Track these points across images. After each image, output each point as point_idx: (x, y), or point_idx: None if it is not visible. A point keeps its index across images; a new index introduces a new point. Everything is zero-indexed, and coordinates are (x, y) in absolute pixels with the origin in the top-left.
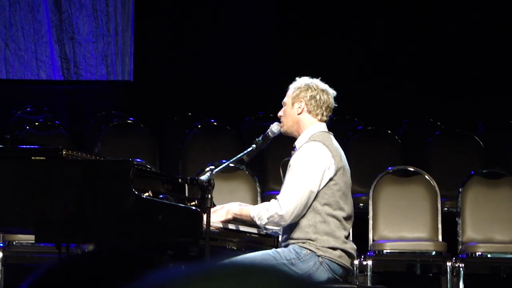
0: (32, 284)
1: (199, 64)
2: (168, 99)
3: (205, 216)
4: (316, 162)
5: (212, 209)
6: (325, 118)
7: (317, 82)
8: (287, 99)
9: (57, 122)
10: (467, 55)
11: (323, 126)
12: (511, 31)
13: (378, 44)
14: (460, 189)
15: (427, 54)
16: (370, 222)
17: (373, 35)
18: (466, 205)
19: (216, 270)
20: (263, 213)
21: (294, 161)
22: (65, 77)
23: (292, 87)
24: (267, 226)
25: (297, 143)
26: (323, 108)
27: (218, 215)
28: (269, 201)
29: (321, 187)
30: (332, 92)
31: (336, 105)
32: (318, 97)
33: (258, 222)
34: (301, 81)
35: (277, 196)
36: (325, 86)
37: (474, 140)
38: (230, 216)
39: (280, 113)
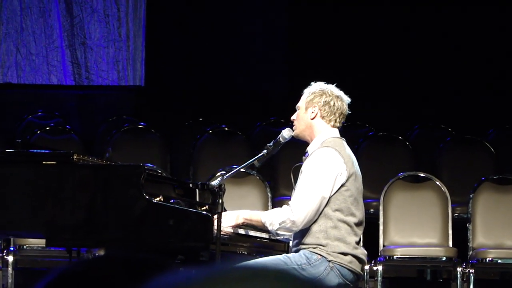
0: None
1: (210, 70)
2: (179, 104)
3: (215, 221)
4: (328, 168)
5: (222, 214)
6: (338, 125)
7: (332, 88)
8: (301, 103)
9: (68, 126)
10: (477, 61)
11: (336, 132)
12: None
13: (389, 50)
14: (470, 195)
15: (437, 60)
16: (381, 227)
17: (384, 41)
18: (476, 211)
19: (227, 273)
20: (275, 218)
21: (306, 166)
22: (76, 82)
23: (307, 91)
24: (279, 232)
25: (309, 149)
26: (337, 115)
27: (228, 220)
28: (280, 206)
29: (332, 193)
30: (347, 99)
31: (350, 112)
32: (332, 103)
33: (269, 228)
34: (316, 86)
35: (289, 202)
36: (339, 93)
37: (484, 146)
38: (240, 221)
39: (293, 117)
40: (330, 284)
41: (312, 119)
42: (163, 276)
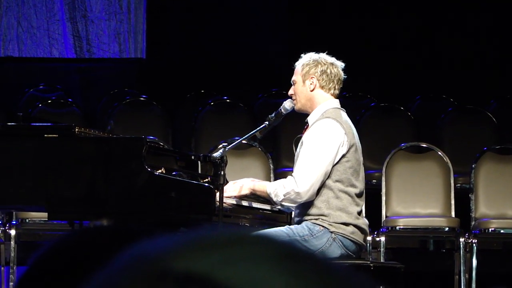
0: (36, 260)
1: (211, 41)
2: (181, 77)
3: (218, 193)
4: (330, 139)
5: (225, 186)
6: (337, 92)
7: (324, 56)
8: (296, 77)
9: (69, 100)
10: (479, 30)
11: (336, 103)
12: None
13: (390, 20)
14: (473, 165)
15: (439, 29)
16: (383, 198)
17: (386, 11)
18: (479, 181)
19: (201, 240)
20: (280, 189)
21: (309, 137)
22: (77, 55)
23: (300, 64)
24: (283, 203)
25: (309, 119)
26: (335, 82)
27: (233, 190)
28: (282, 178)
29: (334, 163)
30: (340, 64)
31: (345, 77)
32: (329, 71)
33: (274, 199)
34: (308, 57)
35: (293, 173)
36: (332, 59)
37: (486, 116)
38: (246, 192)
39: (290, 92)
40: (332, 255)
41: (312, 90)
42: (137, 245)
